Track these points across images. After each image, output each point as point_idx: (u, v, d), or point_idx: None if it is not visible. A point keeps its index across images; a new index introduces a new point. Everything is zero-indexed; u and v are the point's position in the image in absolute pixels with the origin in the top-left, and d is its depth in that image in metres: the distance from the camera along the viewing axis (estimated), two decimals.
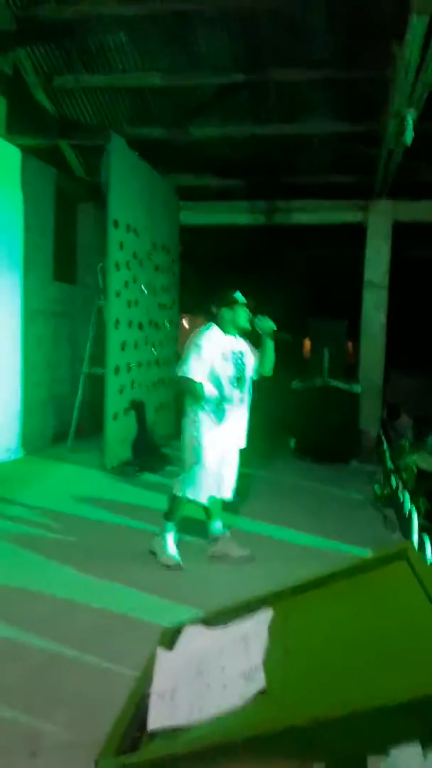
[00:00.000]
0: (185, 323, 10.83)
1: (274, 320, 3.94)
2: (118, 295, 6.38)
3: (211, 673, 0.98)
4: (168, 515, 3.99)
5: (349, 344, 8.95)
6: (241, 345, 3.97)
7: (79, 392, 7.39)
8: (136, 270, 6.83)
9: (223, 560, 4.03)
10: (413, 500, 4.68)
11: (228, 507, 5.18)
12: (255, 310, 3.96)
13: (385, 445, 6.87)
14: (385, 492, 5.61)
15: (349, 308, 8.66)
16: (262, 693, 0.90)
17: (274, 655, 1.00)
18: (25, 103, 7.01)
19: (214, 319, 3.93)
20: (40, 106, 7.09)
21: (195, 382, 3.75)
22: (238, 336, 3.97)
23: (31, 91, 6.91)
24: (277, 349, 4.01)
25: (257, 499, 5.64)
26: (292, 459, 7.47)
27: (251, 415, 4.08)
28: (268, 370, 4.03)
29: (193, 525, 4.33)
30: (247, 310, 3.91)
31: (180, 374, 3.80)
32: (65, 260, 8.16)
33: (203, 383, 3.77)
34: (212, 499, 4.03)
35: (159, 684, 1.00)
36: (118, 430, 6.56)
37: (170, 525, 3.97)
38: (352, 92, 6.37)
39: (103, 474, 6.26)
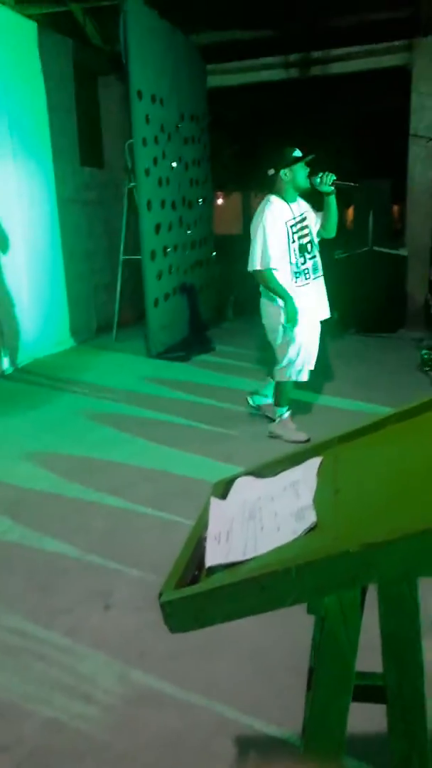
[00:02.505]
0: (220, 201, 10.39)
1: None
2: (147, 173, 6.13)
3: (264, 518, 1.03)
4: (278, 401, 4.07)
5: (396, 208, 8.43)
6: (303, 208, 3.81)
7: (119, 281, 7.36)
8: (164, 144, 6.49)
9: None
10: None
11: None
12: (314, 166, 3.72)
13: None
14: None
15: (396, 168, 8.08)
16: (313, 528, 0.95)
17: (323, 496, 1.04)
18: None
19: (272, 185, 3.75)
20: None
21: (266, 271, 3.67)
22: (299, 199, 3.79)
23: None
24: (339, 208, 3.79)
25: None
26: (336, 332, 7.35)
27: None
28: (332, 230, 3.85)
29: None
30: (306, 168, 3.69)
31: (250, 269, 3.74)
32: (91, 142, 7.82)
33: (276, 267, 3.66)
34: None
35: (213, 528, 1.07)
36: (160, 317, 6.56)
37: (283, 409, 4.06)
38: None
39: (149, 361, 6.36)
